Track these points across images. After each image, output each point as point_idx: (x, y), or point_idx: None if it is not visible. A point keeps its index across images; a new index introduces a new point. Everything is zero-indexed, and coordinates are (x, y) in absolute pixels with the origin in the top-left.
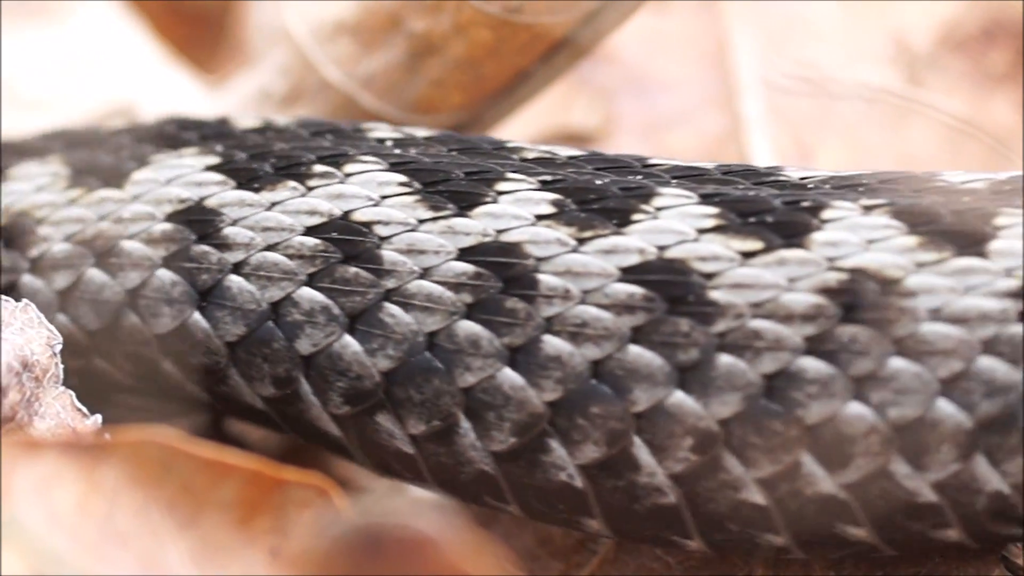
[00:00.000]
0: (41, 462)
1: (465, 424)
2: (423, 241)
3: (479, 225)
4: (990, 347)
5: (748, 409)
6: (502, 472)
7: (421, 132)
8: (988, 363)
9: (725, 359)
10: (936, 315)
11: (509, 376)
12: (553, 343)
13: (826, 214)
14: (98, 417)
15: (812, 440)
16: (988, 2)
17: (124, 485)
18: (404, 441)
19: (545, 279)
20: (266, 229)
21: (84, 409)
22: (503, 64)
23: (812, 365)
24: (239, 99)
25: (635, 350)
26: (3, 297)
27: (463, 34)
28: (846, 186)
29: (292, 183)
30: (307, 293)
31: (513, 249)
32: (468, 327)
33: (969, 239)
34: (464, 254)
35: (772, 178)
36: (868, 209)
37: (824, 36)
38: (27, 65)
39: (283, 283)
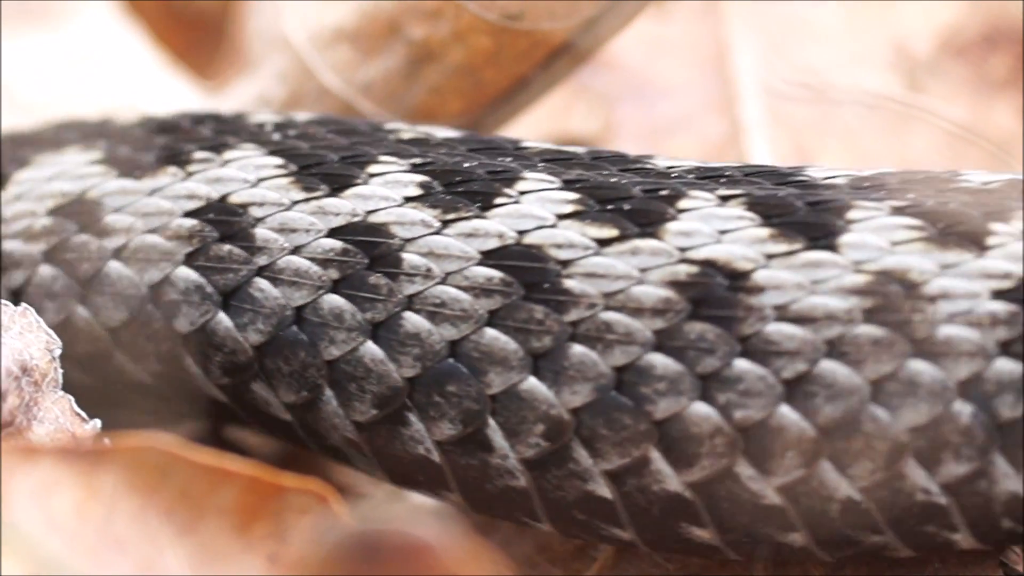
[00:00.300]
0: (40, 468)
1: (329, 393)
2: (295, 220)
3: (349, 205)
4: (834, 349)
5: (598, 400)
6: (365, 441)
7: (301, 116)
8: (830, 366)
9: (577, 349)
10: (782, 313)
11: (371, 349)
12: (413, 320)
13: (683, 203)
14: (97, 422)
15: (660, 436)
16: (989, 8)
17: (122, 491)
18: (280, 408)
19: (408, 258)
20: (146, 215)
21: (83, 414)
22: (502, 71)
23: (660, 361)
24: (238, 105)
25: (491, 333)
26: (2, 301)
27: (462, 41)
28: (709, 176)
29: (172, 169)
30: (183, 272)
31: (380, 229)
32: (333, 301)
33: (821, 231)
34: (333, 233)
35: (638, 166)
36: (725, 199)
37: (825, 41)
38: (26, 69)
39: (162, 264)
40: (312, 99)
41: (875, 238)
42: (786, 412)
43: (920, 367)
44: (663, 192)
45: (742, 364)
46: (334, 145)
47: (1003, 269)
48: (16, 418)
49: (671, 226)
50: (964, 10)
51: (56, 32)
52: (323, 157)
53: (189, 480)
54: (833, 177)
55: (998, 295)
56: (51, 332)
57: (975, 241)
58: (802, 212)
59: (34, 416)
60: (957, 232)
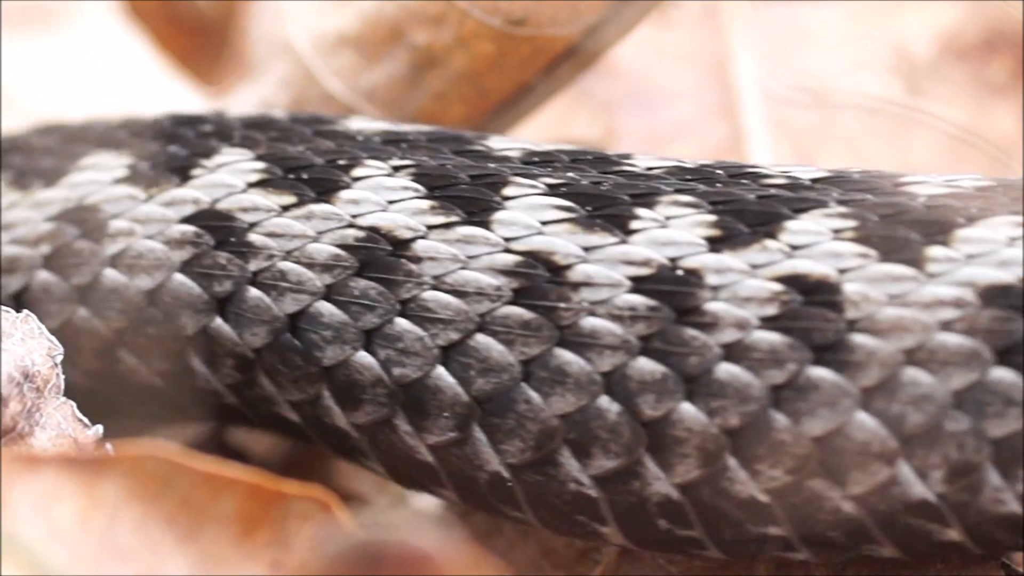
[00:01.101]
0: (41, 477)
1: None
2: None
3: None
4: (486, 324)
5: (275, 342)
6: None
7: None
8: (484, 340)
9: (254, 292)
10: (439, 283)
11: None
12: (111, 276)
13: (357, 172)
14: (99, 428)
15: (329, 379)
16: (989, 11)
17: (124, 499)
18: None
19: (115, 224)
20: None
21: (85, 420)
22: (505, 77)
23: (328, 310)
24: (241, 110)
25: (179, 278)
26: (4, 308)
27: (465, 47)
28: (391, 141)
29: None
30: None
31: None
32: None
33: (477, 206)
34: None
35: (331, 128)
36: (396, 170)
37: (825, 46)
38: (27, 74)
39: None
40: (315, 105)
41: (526, 217)
42: (442, 375)
43: (566, 356)
44: (341, 161)
45: (402, 323)
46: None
47: (643, 255)
48: (18, 424)
49: (343, 194)
50: (964, 14)
51: (57, 36)
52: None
53: (191, 488)
54: (507, 150)
55: (638, 283)
56: (53, 338)
57: (620, 225)
58: (463, 186)
59: (36, 422)
60: (603, 215)
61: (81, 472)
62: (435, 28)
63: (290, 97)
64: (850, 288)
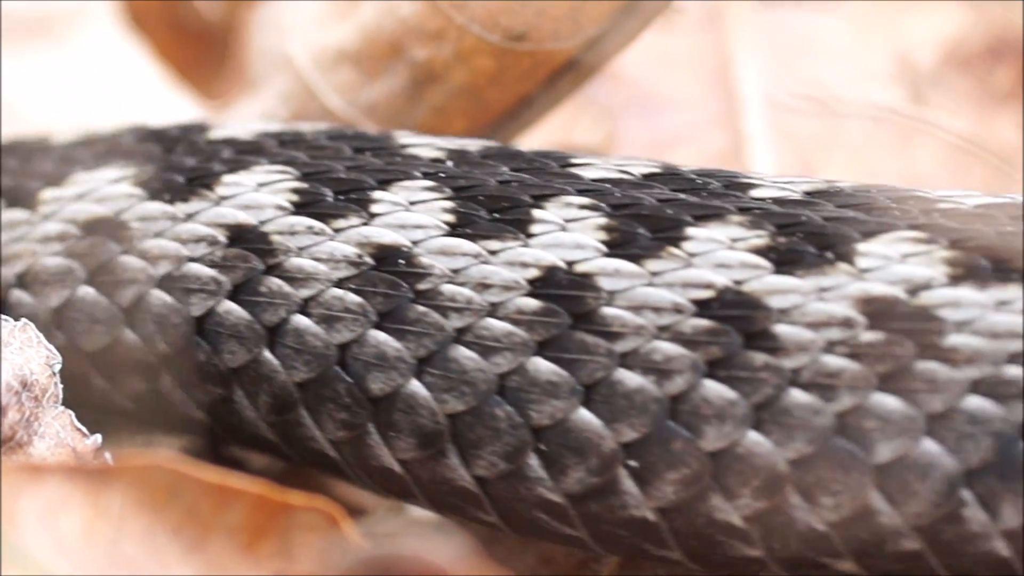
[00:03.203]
0: (46, 487)
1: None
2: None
3: None
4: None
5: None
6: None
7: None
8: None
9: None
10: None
11: None
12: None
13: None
14: (98, 437)
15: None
16: (993, 20)
17: (130, 510)
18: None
19: None
20: None
21: (84, 429)
22: (505, 91)
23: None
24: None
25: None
26: (2, 317)
27: (465, 62)
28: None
29: None
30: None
31: None
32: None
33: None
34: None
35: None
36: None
37: (828, 55)
38: (28, 86)
39: None
40: (315, 120)
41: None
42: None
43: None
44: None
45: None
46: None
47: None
48: (16, 433)
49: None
50: (968, 23)
51: (59, 49)
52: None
53: (196, 498)
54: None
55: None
56: (51, 347)
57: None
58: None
59: (35, 431)
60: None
61: (86, 482)
62: (435, 44)
63: (290, 112)
64: None
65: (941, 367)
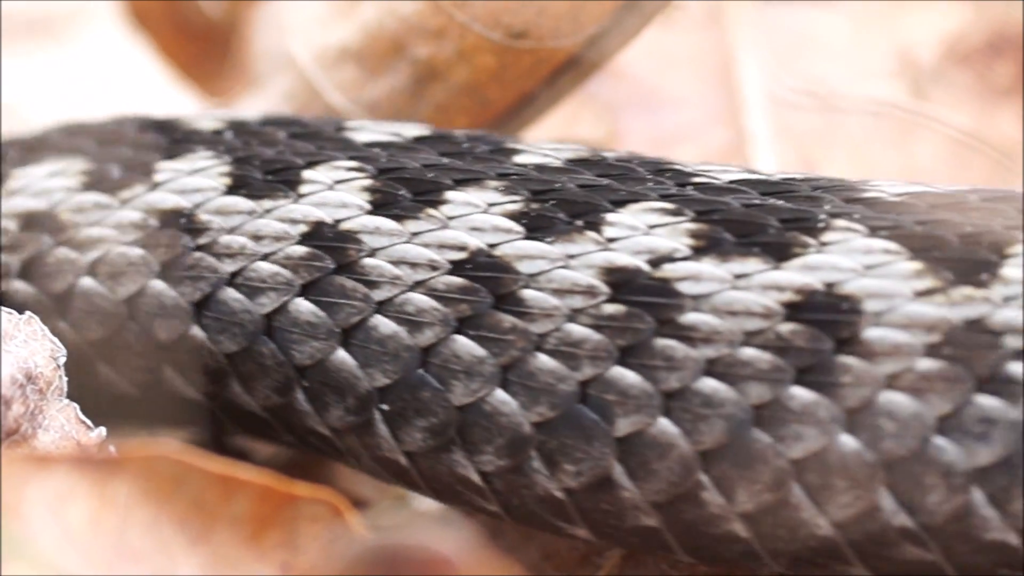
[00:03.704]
0: (53, 478)
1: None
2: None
3: None
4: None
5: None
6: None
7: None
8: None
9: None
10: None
11: None
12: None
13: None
14: (102, 430)
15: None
16: (993, 15)
17: (136, 500)
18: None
19: None
20: None
21: (88, 422)
22: (507, 88)
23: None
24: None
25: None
26: (6, 309)
27: (466, 60)
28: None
29: None
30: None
31: None
32: None
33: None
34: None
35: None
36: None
37: (829, 51)
38: (30, 84)
39: None
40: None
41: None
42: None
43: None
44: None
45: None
46: None
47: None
48: (21, 426)
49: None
50: (968, 18)
51: (60, 48)
52: None
53: (202, 489)
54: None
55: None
56: (55, 340)
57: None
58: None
59: (39, 424)
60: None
61: (92, 473)
62: (436, 42)
63: (293, 110)
64: None
65: (679, 345)
